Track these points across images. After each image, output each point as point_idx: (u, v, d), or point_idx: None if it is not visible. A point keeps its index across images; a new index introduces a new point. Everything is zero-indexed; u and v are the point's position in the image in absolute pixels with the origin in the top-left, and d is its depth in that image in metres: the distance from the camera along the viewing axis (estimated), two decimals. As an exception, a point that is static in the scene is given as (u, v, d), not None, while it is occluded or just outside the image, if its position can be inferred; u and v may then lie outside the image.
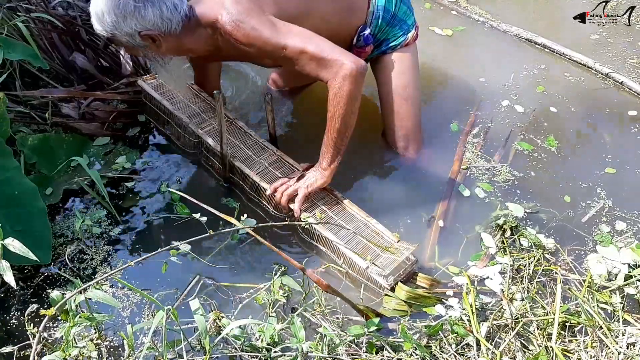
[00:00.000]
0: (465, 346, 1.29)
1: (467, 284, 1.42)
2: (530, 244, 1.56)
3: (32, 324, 1.16)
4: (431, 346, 1.29)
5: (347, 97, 1.41)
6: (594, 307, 1.37)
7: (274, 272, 1.40)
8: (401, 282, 1.42)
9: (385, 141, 1.90)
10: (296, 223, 1.47)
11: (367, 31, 1.65)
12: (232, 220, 1.20)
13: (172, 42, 1.48)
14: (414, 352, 1.25)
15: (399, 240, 1.49)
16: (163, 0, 1.40)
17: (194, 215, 1.23)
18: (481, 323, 1.33)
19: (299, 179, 1.57)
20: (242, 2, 1.41)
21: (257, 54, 1.47)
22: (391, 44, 1.73)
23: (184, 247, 1.17)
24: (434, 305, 1.39)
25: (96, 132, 1.84)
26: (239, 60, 1.87)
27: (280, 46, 1.40)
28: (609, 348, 1.28)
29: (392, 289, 1.40)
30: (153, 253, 1.13)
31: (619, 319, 1.36)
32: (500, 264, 1.50)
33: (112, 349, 1.28)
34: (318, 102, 2.04)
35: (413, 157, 1.86)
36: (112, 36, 1.44)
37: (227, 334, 1.15)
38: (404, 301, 1.38)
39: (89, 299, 1.11)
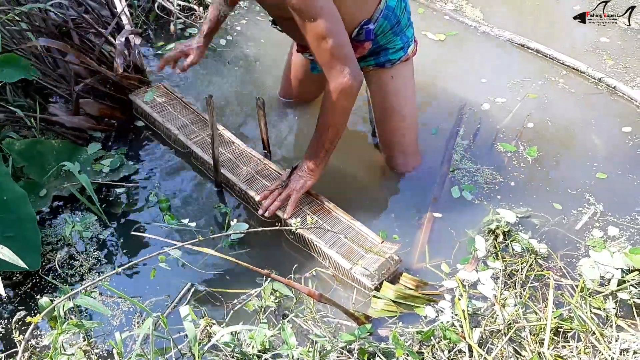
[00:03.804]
0: (457, 352, 1.28)
1: (460, 289, 1.42)
2: (522, 248, 1.56)
3: (18, 332, 1.15)
4: (423, 352, 1.28)
5: (340, 110, 1.46)
6: (586, 312, 1.37)
7: (264, 278, 1.39)
8: (387, 282, 1.42)
9: (376, 147, 1.90)
10: (287, 228, 1.46)
11: (371, 26, 1.57)
12: (209, 251, 1.19)
13: None
14: (406, 358, 1.24)
15: (383, 241, 1.50)
16: None
17: (183, 221, 1.22)
18: (473, 329, 1.32)
19: (287, 185, 1.58)
20: None
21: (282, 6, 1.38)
22: (390, 56, 1.66)
23: (174, 252, 1.16)
24: (424, 306, 1.39)
25: (82, 124, 1.82)
26: None
27: (311, 15, 1.34)
28: (602, 354, 1.28)
29: (377, 289, 1.41)
30: (141, 259, 1.12)
31: (612, 324, 1.36)
32: (493, 268, 1.49)
33: (101, 357, 1.27)
34: (315, 108, 2.04)
35: (410, 172, 1.85)
36: None
37: (217, 341, 1.14)
38: (393, 301, 1.38)
39: (79, 306, 1.10)
